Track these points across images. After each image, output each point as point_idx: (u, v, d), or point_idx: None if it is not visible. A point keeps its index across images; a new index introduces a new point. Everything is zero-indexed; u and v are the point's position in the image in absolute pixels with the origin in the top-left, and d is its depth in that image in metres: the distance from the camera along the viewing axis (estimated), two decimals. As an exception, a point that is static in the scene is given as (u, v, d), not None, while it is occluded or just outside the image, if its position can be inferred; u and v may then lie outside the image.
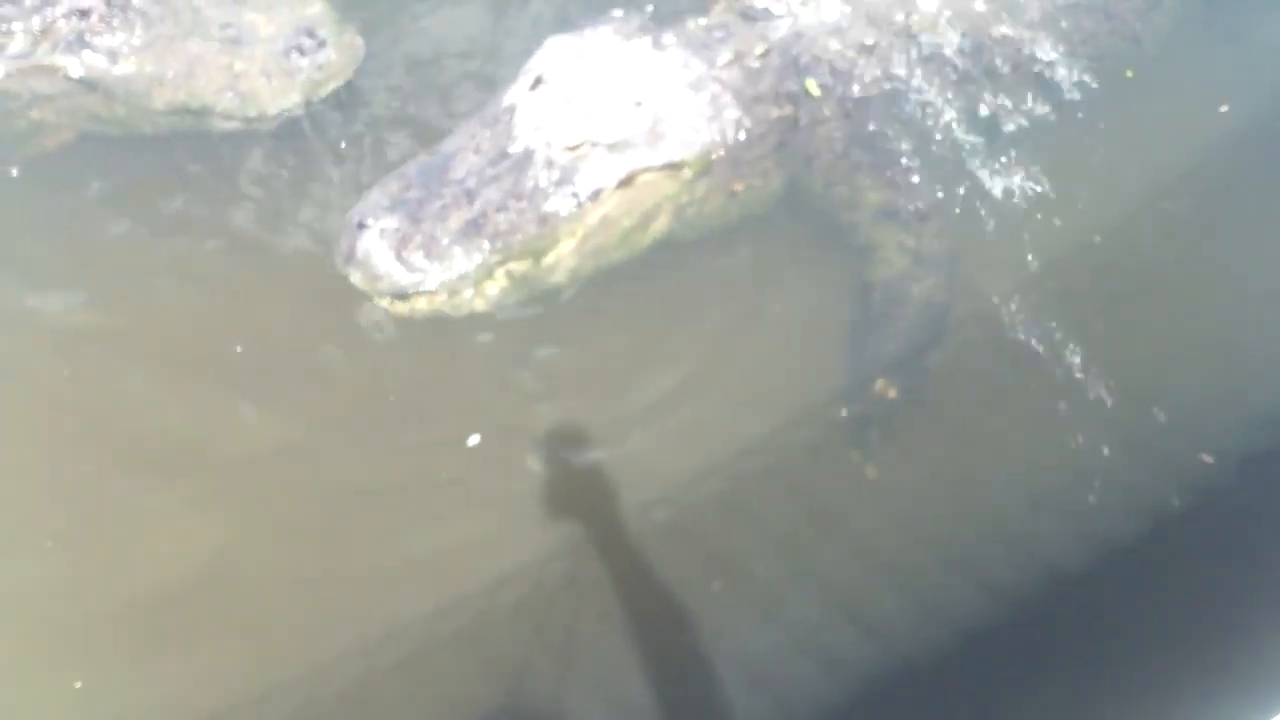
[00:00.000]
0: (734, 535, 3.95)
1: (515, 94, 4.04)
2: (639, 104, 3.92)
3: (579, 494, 3.99)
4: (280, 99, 4.32)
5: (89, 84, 4.33)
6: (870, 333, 4.12)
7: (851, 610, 3.82)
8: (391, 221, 3.68)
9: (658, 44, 4.14)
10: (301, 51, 4.35)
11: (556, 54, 4.07)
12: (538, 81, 4.03)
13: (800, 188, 4.29)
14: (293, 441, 4.03)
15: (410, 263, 3.65)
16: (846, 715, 3.66)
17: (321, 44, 4.39)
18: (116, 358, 4.20)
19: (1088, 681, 3.68)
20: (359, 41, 4.49)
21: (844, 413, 4.11)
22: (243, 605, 3.78)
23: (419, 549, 3.84)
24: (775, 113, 4.17)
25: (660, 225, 4.03)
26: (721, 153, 4.02)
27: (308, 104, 4.37)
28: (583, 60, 4.03)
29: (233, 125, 4.39)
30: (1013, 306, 4.34)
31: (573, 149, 3.86)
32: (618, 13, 4.31)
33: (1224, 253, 4.64)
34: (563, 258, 3.87)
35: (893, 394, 4.06)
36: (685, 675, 3.71)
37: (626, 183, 3.89)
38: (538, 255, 3.83)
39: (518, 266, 3.80)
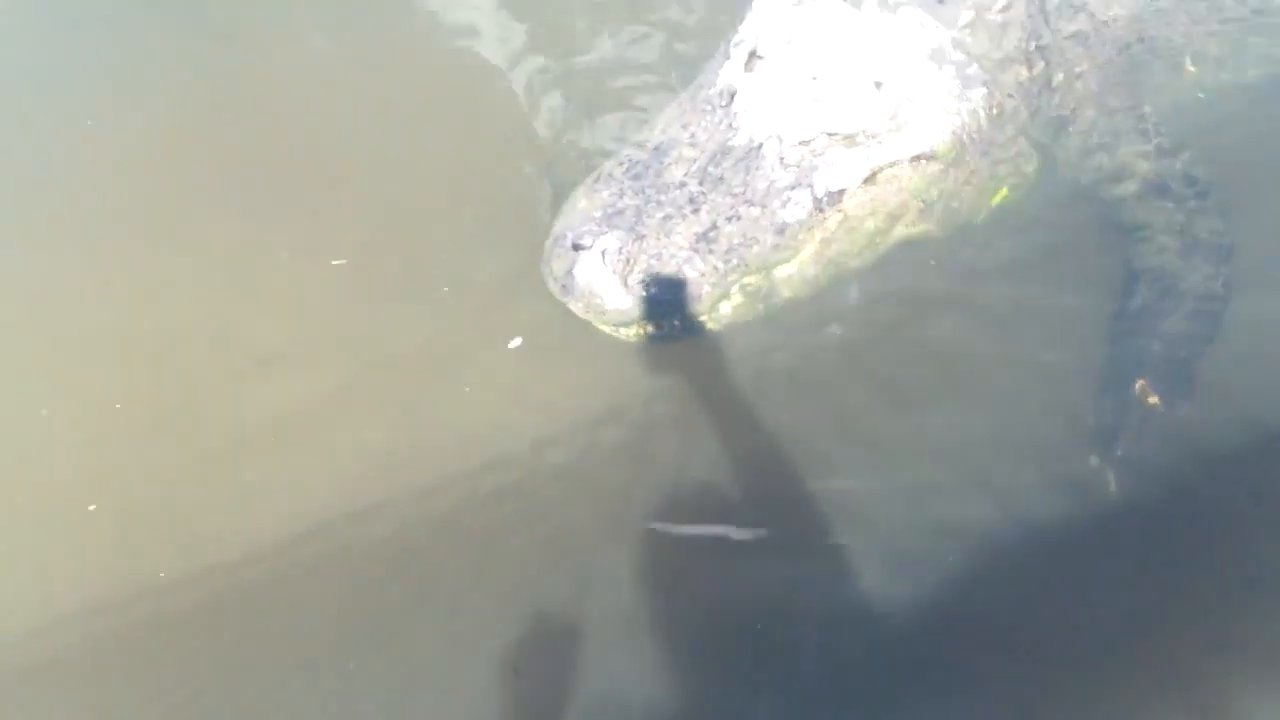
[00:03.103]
0: (852, 386, 3.62)
1: (730, 74, 3.53)
2: (878, 85, 3.41)
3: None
4: None
5: None
6: (1134, 327, 3.65)
7: (972, 471, 3.49)
8: (612, 240, 3.25)
9: (885, 5, 3.59)
10: None
11: (770, 22, 3.54)
12: (753, 57, 3.51)
13: (1057, 162, 3.77)
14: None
15: (637, 290, 3.24)
16: (958, 571, 3.38)
17: None
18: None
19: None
20: None
21: (1090, 419, 3.68)
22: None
23: (529, 387, 3.65)
24: (1025, 74, 3.64)
25: (906, 225, 3.56)
26: (973, 136, 3.51)
27: None
28: (804, 30, 3.49)
29: None
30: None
31: (806, 143, 3.38)
32: (831, -37, 3.72)
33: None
34: (802, 267, 3.44)
35: (1153, 401, 3.60)
36: (791, 519, 3.44)
37: (869, 180, 3.41)
38: (773, 267, 3.39)
39: (753, 281, 3.38)
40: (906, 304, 3.73)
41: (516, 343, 3.67)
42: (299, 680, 3.13)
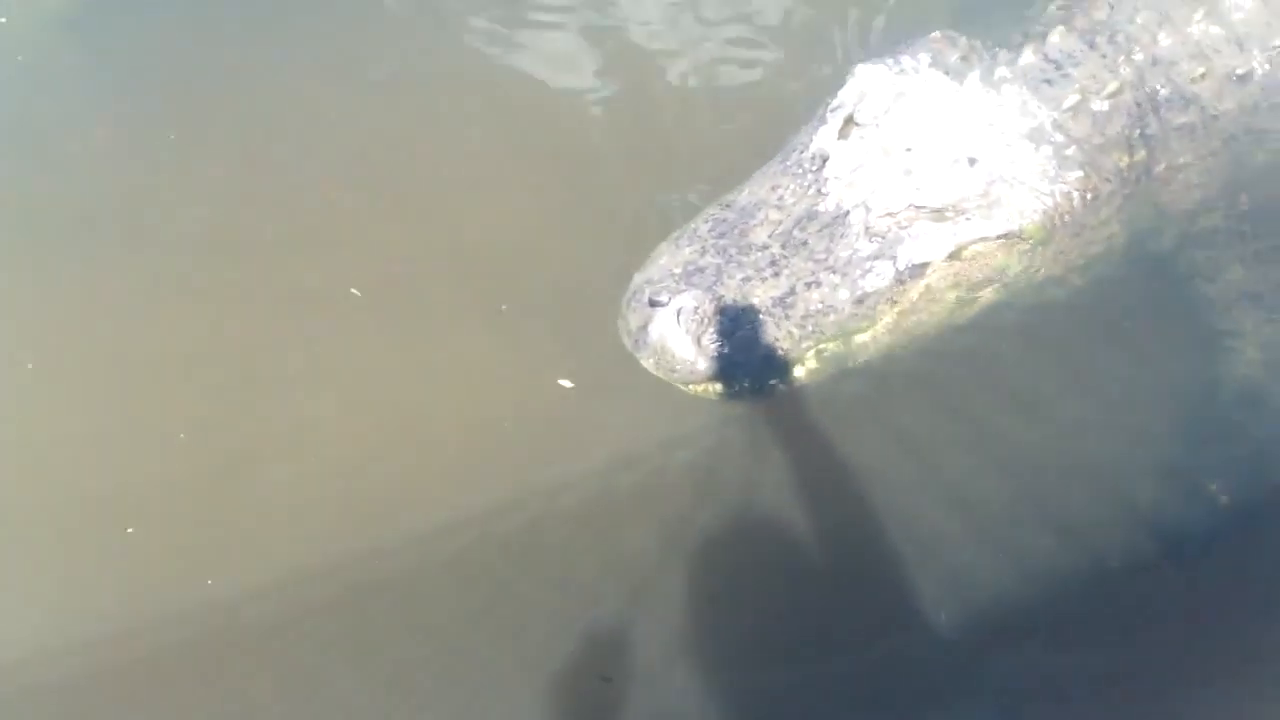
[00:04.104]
0: (924, 414, 3.74)
1: (823, 139, 3.54)
2: (972, 162, 3.38)
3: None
4: None
5: None
6: (1213, 437, 3.56)
7: (1039, 502, 3.57)
8: (688, 300, 3.27)
9: (989, 81, 3.57)
10: None
11: (870, 90, 3.54)
12: (849, 123, 3.51)
13: (1147, 247, 3.69)
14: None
15: (710, 350, 3.26)
16: (1026, 606, 3.45)
17: None
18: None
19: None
20: None
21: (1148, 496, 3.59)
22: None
23: (602, 416, 3.76)
24: (1125, 160, 3.58)
25: (987, 298, 3.54)
26: (1065, 218, 3.46)
27: None
28: (903, 101, 3.49)
29: None
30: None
31: (893, 215, 3.37)
32: (936, 34, 3.70)
33: None
34: (878, 335, 3.44)
35: (1225, 501, 3.53)
36: (859, 546, 3.56)
37: (954, 255, 3.39)
38: (850, 335, 3.38)
39: (829, 346, 3.39)
40: (979, 334, 3.72)
41: (567, 384, 3.80)
42: (369, 694, 3.34)
